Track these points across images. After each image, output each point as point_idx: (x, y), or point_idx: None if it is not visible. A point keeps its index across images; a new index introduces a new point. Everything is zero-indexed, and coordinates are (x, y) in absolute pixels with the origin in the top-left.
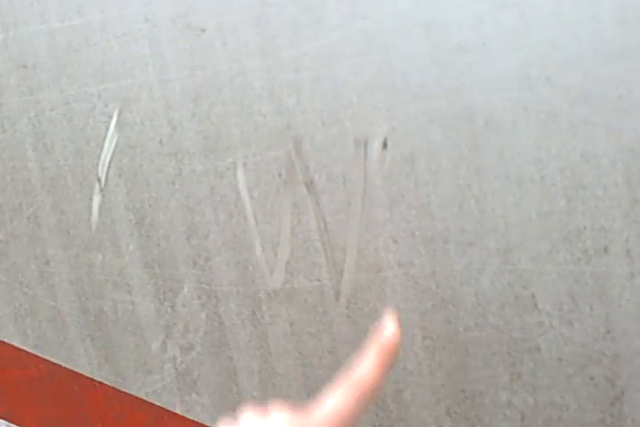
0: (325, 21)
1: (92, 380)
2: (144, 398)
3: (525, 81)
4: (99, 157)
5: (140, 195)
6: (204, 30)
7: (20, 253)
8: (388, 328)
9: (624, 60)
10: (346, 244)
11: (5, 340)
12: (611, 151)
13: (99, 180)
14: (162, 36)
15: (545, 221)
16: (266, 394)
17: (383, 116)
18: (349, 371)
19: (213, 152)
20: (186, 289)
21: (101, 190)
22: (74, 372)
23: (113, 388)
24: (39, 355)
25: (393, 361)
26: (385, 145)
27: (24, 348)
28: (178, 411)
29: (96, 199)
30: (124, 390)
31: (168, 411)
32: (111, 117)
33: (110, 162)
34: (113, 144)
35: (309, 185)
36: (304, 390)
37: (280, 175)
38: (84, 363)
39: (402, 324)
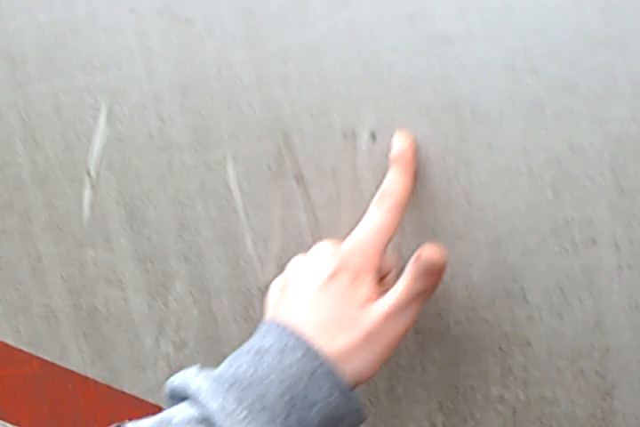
0: (312, 12)
1: (86, 378)
2: (138, 395)
3: (511, 71)
4: (88, 151)
5: (130, 189)
6: (190, 21)
7: (11, 250)
8: (399, 141)
9: (608, 49)
10: (336, 237)
11: None
12: (597, 142)
13: (89, 174)
14: (148, 28)
15: (533, 213)
16: None
17: (371, 107)
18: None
19: (203, 145)
20: (178, 285)
21: (92, 185)
22: (67, 370)
23: (107, 386)
24: (32, 353)
25: (415, 167)
26: (373, 137)
27: (17, 346)
28: None
29: (87, 194)
30: (117, 387)
31: (162, 408)
32: (100, 111)
33: (100, 156)
34: (103, 138)
35: (299, 178)
36: None
37: (270, 168)
38: (78, 360)
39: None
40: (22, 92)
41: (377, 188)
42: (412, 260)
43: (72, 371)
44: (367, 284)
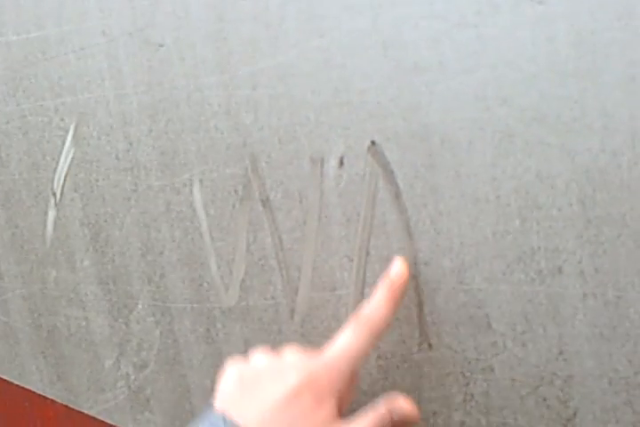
0: (283, 39)
1: (44, 397)
2: (96, 416)
3: (481, 101)
4: (54, 171)
5: (95, 210)
6: (161, 45)
7: None
8: (396, 266)
9: (579, 81)
10: (301, 262)
11: None
12: (565, 172)
13: (54, 194)
14: (119, 51)
15: (500, 240)
16: None
17: (340, 134)
18: (359, 309)
19: (170, 168)
20: (140, 306)
21: (56, 205)
22: (25, 389)
23: (65, 406)
24: None
25: (402, 298)
26: (341, 163)
27: None
28: None
29: (51, 214)
30: (76, 408)
31: None
32: (67, 132)
33: (66, 176)
34: (69, 158)
35: (265, 202)
36: None
37: (236, 192)
38: (36, 380)
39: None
40: None
41: (343, 214)
42: (381, 407)
43: (30, 390)
44: (329, 409)
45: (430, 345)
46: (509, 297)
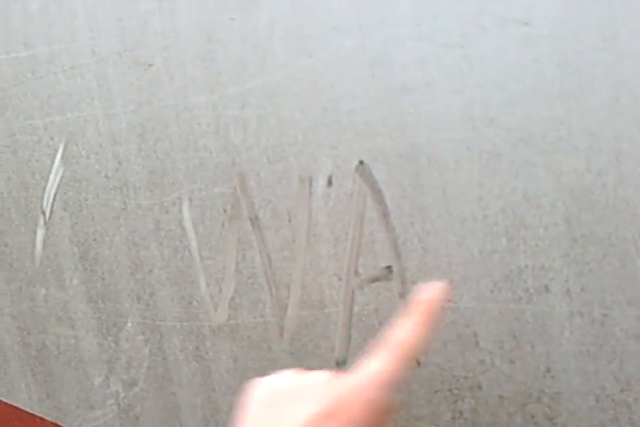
0: (271, 59)
1: (33, 415)
2: None
3: (468, 121)
4: (43, 189)
5: (84, 229)
6: (150, 65)
7: None
8: (431, 289)
9: (564, 102)
10: (290, 280)
11: None
12: (551, 191)
13: (43, 213)
14: (108, 70)
15: (487, 259)
16: None
17: (328, 153)
18: (392, 332)
19: (159, 187)
20: (129, 324)
21: (45, 224)
22: (14, 407)
23: (54, 423)
24: None
25: (435, 321)
26: (330, 182)
27: None
28: None
29: (40, 232)
30: (65, 425)
31: None
32: (57, 150)
33: (55, 195)
34: (58, 177)
35: (254, 221)
36: None
37: (225, 211)
38: (25, 398)
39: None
40: None
41: (331, 232)
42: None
43: (19, 408)
44: None
45: (419, 363)
46: (497, 315)
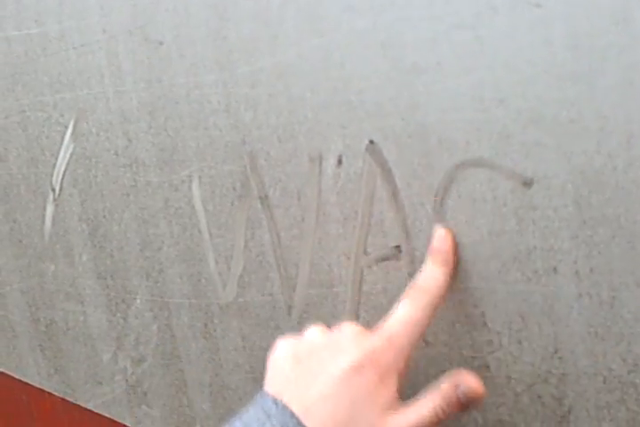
0: (283, 38)
1: (42, 390)
2: (93, 409)
3: (479, 102)
4: (53, 166)
5: (94, 205)
6: (161, 43)
7: None
8: (437, 232)
9: (575, 83)
10: (299, 259)
11: None
12: (561, 173)
13: (53, 189)
14: (119, 48)
15: (496, 240)
16: (216, 407)
17: (338, 133)
18: (417, 279)
19: (169, 165)
20: (138, 301)
21: (55, 200)
22: (23, 382)
23: (62, 399)
24: None
25: (454, 263)
26: (340, 162)
27: None
28: (127, 423)
29: (49, 209)
30: (73, 401)
31: (117, 423)
32: (67, 127)
33: (65, 172)
34: (68, 154)
35: (264, 200)
36: None
37: (235, 189)
38: (34, 373)
39: None
40: None
41: (341, 212)
42: (445, 385)
43: (27, 383)
44: (391, 387)
45: (427, 342)
46: (505, 296)
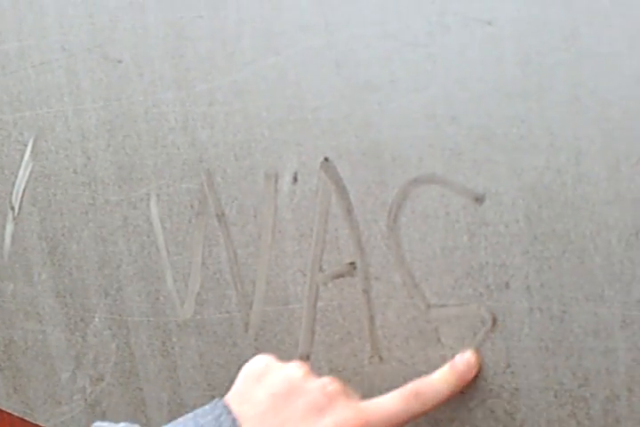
0: (239, 56)
1: (1, 410)
2: None
3: (431, 119)
4: (13, 184)
5: (53, 224)
6: (120, 61)
7: None
8: (467, 354)
9: (525, 100)
10: (255, 276)
11: None
12: (512, 189)
13: (12, 208)
14: (78, 66)
15: (449, 256)
16: None
17: (293, 150)
18: (418, 380)
19: (127, 183)
20: (97, 319)
21: (14, 219)
22: None
23: (21, 419)
24: None
25: (463, 384)
26: (295, 179)
27: None
28: None
29: (9, 227)
30: (32, 420)
31: None
32: (26, 146)
33: (24, 190)
34: (27, 172)
35: (221, 217)
36: None
37: (192, 207)
38: None
39: (309, 356)
40: None
41: (296, 229)
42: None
43: None
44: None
45: (381, 358)
46: (458, 312)
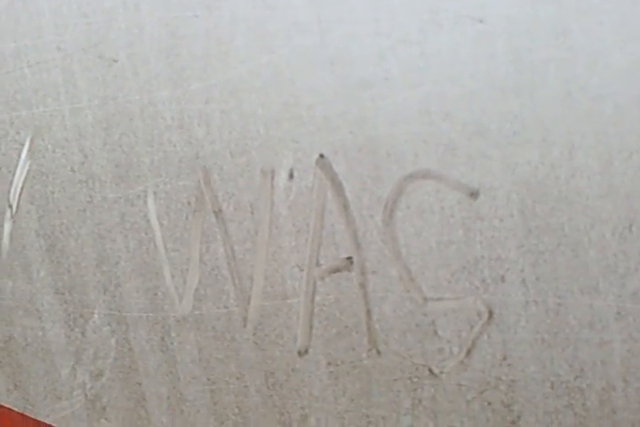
0: (234, 55)
1: (1, 406)
2: (53, 424)
3: (426, 115)
4: (10, 183)
5: (51, 221)
6: (115, 61)
7: None
8: None
9: (518, 96)
10: (253, 271)
11: None
12: (506, 184)
13: (10, 206)
14: (74, 66)
15: (444, 250)
16: (174, 420)
17: (289, 147)
18: None
19: (124, 180)
20: (96, 315)
21: (12, 217)
22: None
23: (22, 414)
24: None
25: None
26: (291, 176)
27: None
28: None
29: (7, 225)
30: (32, 416)
31: None
32: (23, 145)
33: (22, 189)
34: (25, 171)
35: (218, 214)
36: (212, 416)
37: (189, 204)
38: None
39: (307, 350)
40: None
41: (293, 225)
42: None
43: None
44: None
45: (379, 352)
46: (454, 305)
